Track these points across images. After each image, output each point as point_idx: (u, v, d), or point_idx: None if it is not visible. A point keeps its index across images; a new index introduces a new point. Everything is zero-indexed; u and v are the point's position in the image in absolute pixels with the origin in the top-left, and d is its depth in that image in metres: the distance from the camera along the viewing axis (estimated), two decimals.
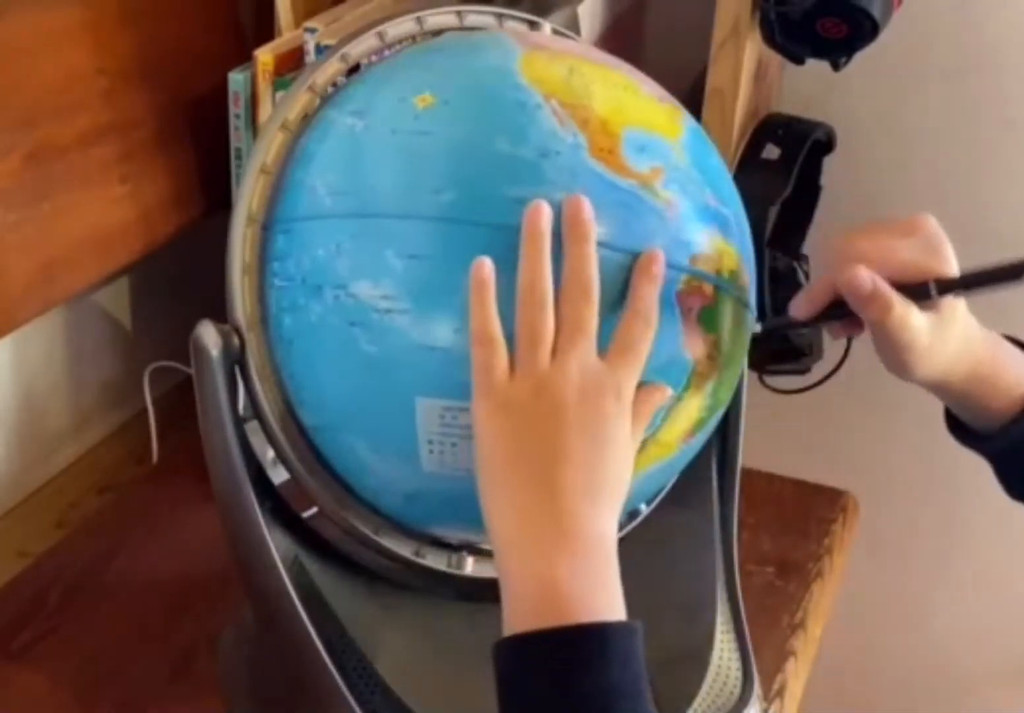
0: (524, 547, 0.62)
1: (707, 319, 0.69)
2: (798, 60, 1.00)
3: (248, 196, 0.69)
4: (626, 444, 0.64)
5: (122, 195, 1.00)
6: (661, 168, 0.67)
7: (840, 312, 0.75)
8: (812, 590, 1.05)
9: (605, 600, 0.61)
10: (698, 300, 0.68)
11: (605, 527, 0.63)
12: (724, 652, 0.82)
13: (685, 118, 0.72)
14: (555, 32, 0.79)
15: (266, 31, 1.03)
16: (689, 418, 0.71)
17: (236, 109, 1.00)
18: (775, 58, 1.02)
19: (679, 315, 0.67)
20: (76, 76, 0.95)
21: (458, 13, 0.75)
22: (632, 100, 0.70)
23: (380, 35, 0.74)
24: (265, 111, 0.99)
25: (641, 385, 0.65)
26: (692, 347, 0.68)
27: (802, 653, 0.99)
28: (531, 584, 0.61)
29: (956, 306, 0.77)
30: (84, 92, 0.96)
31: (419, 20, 0.74)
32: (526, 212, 0.63)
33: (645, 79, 0.73)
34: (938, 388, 0.81)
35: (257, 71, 0.97)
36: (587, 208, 0.64)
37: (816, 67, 1.00)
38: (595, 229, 0.64)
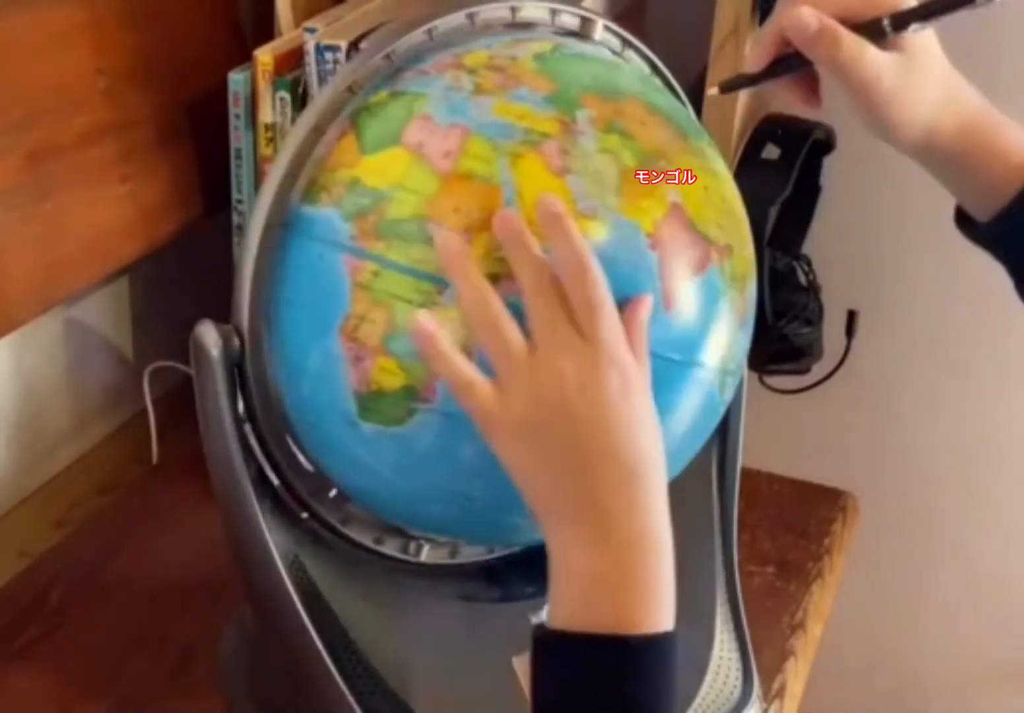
0: (573, 553, 0.62)
1: None
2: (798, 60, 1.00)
3: (270, 197, 0.68)
4: (643, 411, 0.62)
5: (122, 195, 1.00)
6: None
7: (794, 63, 0.72)
8: (812, 590, 1.05)
9: (647, 607, 0.61)
10: None
11: (647, 517, 0.62)
12: (724, 652, 0.82)
13: None
14: (607, 29, 0.76)
15: (266, 31, 1.03)
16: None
17: (236, 109, 1.00)
18: None
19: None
20: (76, 76, 0.95)
21: (512, 8, 0.72)
22: None
23: (430, 32, 0.70)
24: (265, 111, 0.99)
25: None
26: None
27: (802, 653, 0.99)
28: (582, 587, 0.62)
29: (927, 47, 0.73)
30: (84, 92, 0.96)
31: (470, 16, 0.71)
32: (436, 242, 0.62)
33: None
34: (927, 149, 0.76)
35: (257, 71, 0.97)
36: (558, 199, 0.62)
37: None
38: (567, 213, 0.62)
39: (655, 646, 0.61)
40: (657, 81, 0.79)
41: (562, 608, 0.62)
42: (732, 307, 0.69)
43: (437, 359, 0.62)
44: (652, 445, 0.63)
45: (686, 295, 0.66)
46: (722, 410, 0.74)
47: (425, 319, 0.62)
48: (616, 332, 0.62)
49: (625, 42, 0.77)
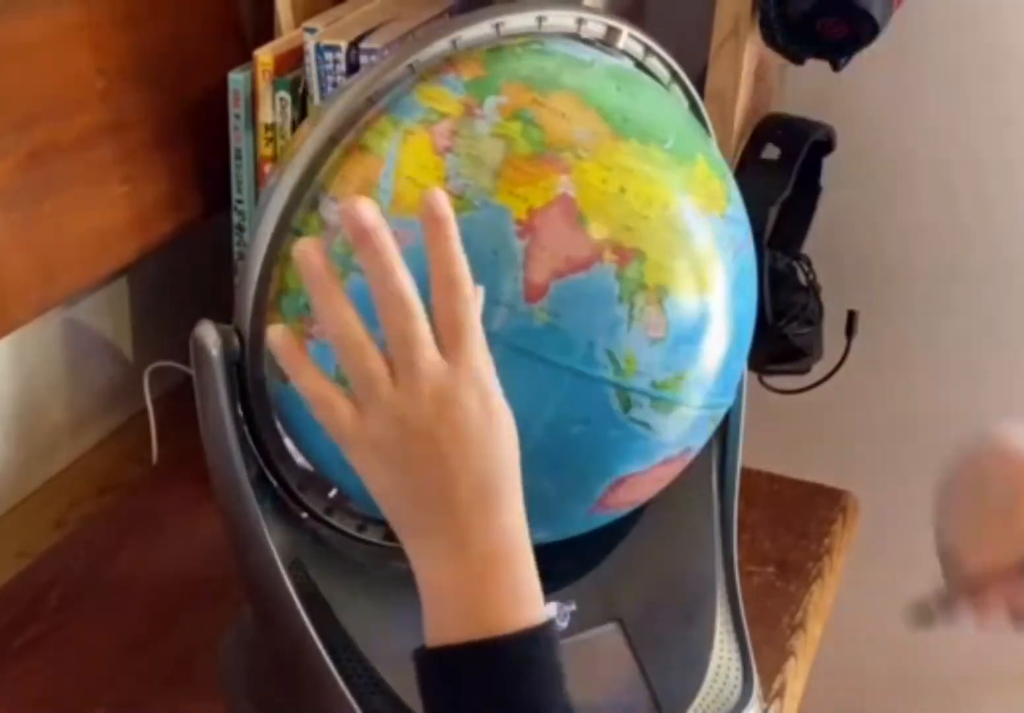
0: (436, 570, 0.62)
1: None
2: (798, 60, 1.00)
3: (282, 202, 0.67)
4: (504, 424, 0.61)
5: (122, 195, 1.00)
6: None
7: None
8: (812, 590, 1.05)
9: (515, 608, 0.61)
10: None
11: (505, 529, 0.62)
12: (724, 652, 0.82)
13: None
14: (631, 37, 0.76)
15: (266, 31, 1.03)
16: None
17: (236, 109, 1.00)
18: (775, 58, 1.02)
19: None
20: (76, 76, 0.95)
21: (538, 18, 0.71)
22: None
23: (454, 41, 0.69)
24: (265, 111, 0.99)
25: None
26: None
27: (802, 653, 0.99)
28: (448, 602, 0.62)
29: None
30: (84, 92, 0.96)
31: (496, 26, 0.70)
32: (295, 257, 0.60)
33: None
34: None
35: (257, 71, 0.98)
36: (369, 212, 0.58)
37: (816, 67, 1.00)
38: (384, 230, 0.58)
39: (523, 641, 0.61)
40: (677, 90, 0.79)
41: (432, 626, 0.62)
42: (634, 316, 0.66)
43: (296, 372, 0.62)
44: (508, 452, 0.62)
45: (559, 290, 0.65)
46: (634, 428, 0.69)
47: (283, 332, 0.62)
48: (479, 351, 0.60)
49: (648, 50, 0.77)
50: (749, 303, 0.74)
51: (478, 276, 0.61)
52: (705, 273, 0.69)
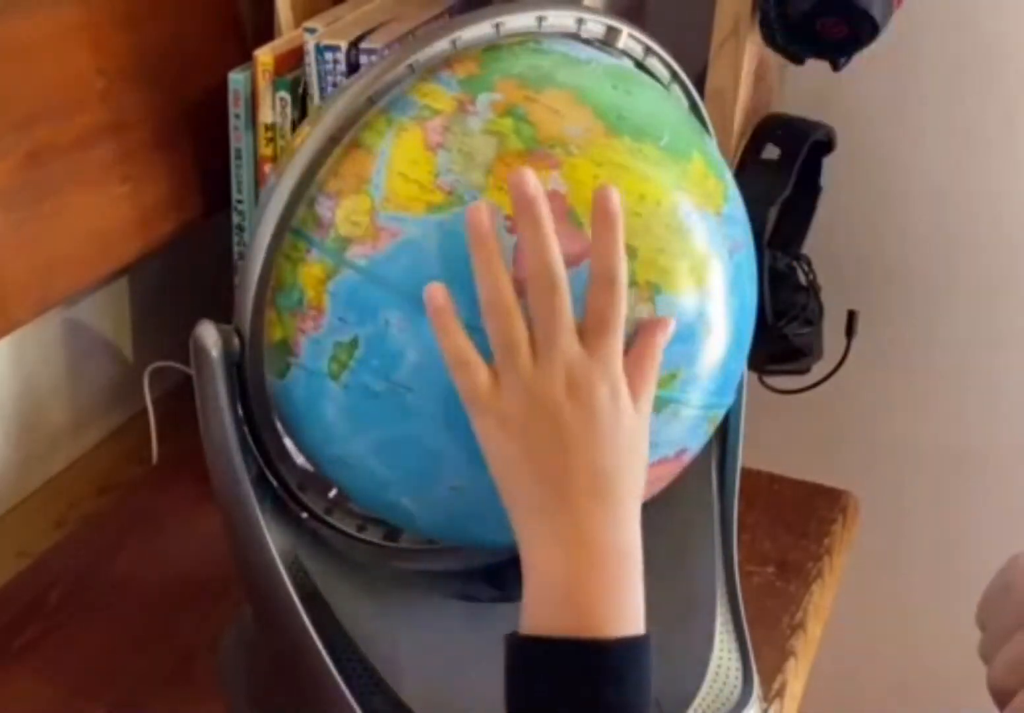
0: (547, 554, 0.62)
1: None
2: (798, 60, 1.00)
3: (283, 202, 0.67)
4: (630, 431, 0.63)
5: (122, 195, 1.00)
6: None
7: None
8: (812, 590, 1.05)
9: (620, 611, 0.61)
10: None
11: (620, 530, 0.62)
12: (724, 652, 0.82)
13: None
14: (631, 37, 0.76)
15: (266, 31, 1.03)
16: None
17: (236, 109, 1.00)
18: (775, 58, 1.02)
19: None
20: (76, 76, 0.95)
21: (538, 18, 0.71)
22: None
23: (453, 41, 0.69)
24: (265, 111, 0.99)
25: (631, 346, 0.63)
26: None
27: (802, 653, 0.99)
28: (554, 590, 0.61)
29: None
30: (84, 92, 0.96)
31: (496, 26, 0.70)
32: (467, 214, 0.61)
33: None
34: None
35: (257, 71, 0.98)
36: (533, 183, 0.61)
37: (816, 67, 1.00)
38: (546, 205, 0.61)
39: (628, 649, 0.61)
40: (677, 89, 0.79)
41: (532, 612, 0.62)
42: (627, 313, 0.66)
43: (442, 334, 0.62)
44: (632, 465, 0.63)
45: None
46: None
47: (440, 291, 0.62)
48: (617, 353, 0.62)
49: (648, 50, 0.77)
50: (747, 303, 0.74)
51: (467, 272, 0.62)
52: (700, 272, 0.69)
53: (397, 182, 0.66)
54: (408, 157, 0.66)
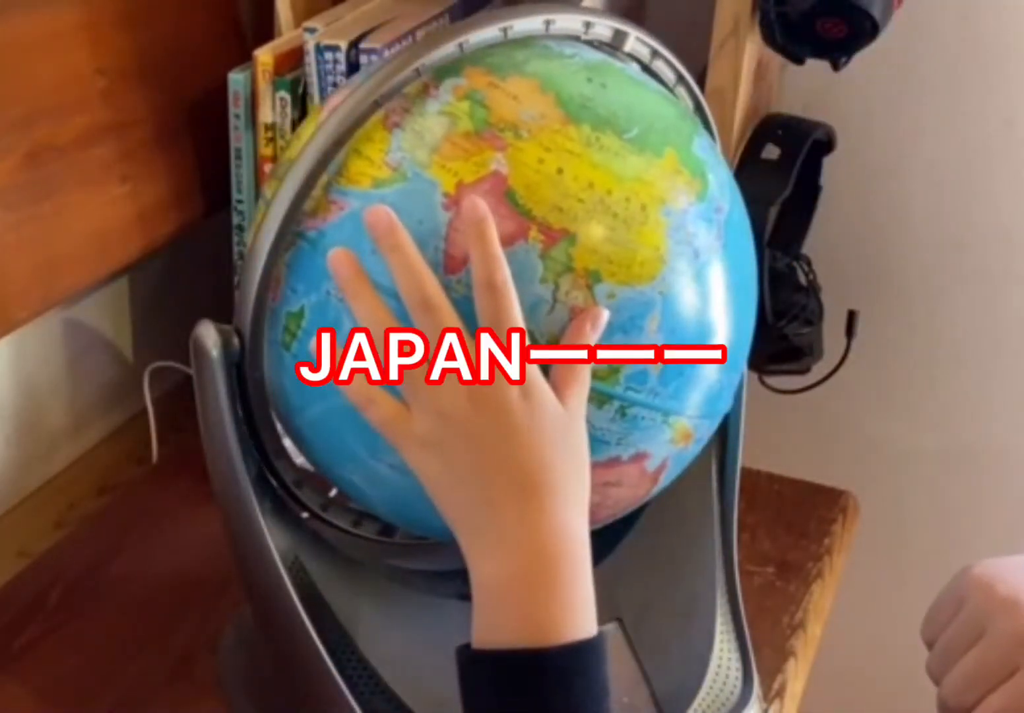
0: (485, 567, 0.62)
1: None
2: (798, 60, 1.00)
3: (287, 203, 0.67)
4: (553, 427, 0.62)
5: (122, 195, 1.00)
6: None
7: None
8: (812, 590, 1.05)
9: (563, 615, 0.61)
10: None
11: (554, 530, 0.61)
12: (724, 652, 0.82)
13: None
14: (639, 40, 0.76)
15: (266, 31, 1.03)
16: None
17: (236, 109, 1.00)
18: (775, 58, 1.03)
19: None
20: (75, 76, 0.95)
21: (546, 22, 0.71)
22: None
23: (461, 45, 0.69)
24: (265, 111, 0.99)
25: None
26: None
27: (802, 653, 0.99)
28: (493, 600, 0.61)
29: None
30: (83, 92, 0.96)
31: (504, 29, 0.70)
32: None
33: None
34: None
35: (257, 71, 0.98)
36: (386, 216, 0.62)
37: (816, 67, 1.00)
38: (400, 232, 0.62)
39: (571, 654, 0.60)
40: (682, 92, 0.79)
41: (477, 625, 0.62)
42: (559, 298, 0.65)
43: (348, 385, 0.63)
44: (563, 462, 0.62)
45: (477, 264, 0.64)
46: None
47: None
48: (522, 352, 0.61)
49: (655, 53, 0.77)
50: (715, 309, 0.71)
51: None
52: (652, 266, 0.67)
53: (351, 158, 0.67)
54: (366, 135, 0.67)
